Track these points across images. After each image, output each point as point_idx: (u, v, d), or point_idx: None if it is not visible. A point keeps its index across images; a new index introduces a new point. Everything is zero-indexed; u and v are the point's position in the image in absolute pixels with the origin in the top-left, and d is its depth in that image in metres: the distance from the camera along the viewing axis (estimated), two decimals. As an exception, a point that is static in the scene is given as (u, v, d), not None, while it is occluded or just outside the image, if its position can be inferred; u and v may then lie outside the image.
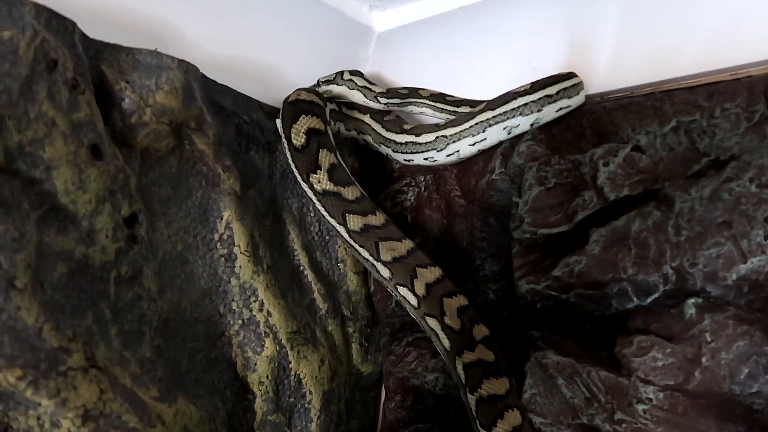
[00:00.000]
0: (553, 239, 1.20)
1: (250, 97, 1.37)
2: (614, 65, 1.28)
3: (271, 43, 1.46)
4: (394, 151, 1.47)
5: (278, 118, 1.37)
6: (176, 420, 1.01)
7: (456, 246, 1.45)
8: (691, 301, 1.03)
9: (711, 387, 1.00)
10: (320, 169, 1.29)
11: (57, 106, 0.92)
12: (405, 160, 1.46)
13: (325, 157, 1.30)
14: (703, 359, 1.00)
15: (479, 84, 1.45)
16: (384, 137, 1.48)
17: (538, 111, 1.25)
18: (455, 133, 1.34)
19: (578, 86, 1.25)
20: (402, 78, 1.62)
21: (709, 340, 1.00)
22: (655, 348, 1.04)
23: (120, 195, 1.03)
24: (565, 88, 1.24)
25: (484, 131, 1.31)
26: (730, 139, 1.07)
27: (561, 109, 1.25)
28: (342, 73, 1.52)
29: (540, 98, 1.24)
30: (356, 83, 1.50)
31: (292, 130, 1.30)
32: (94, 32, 1.05)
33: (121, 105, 1.06)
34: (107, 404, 0.90)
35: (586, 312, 1.16)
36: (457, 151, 1.36)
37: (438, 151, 1.38)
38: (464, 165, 1.43)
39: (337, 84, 1.50)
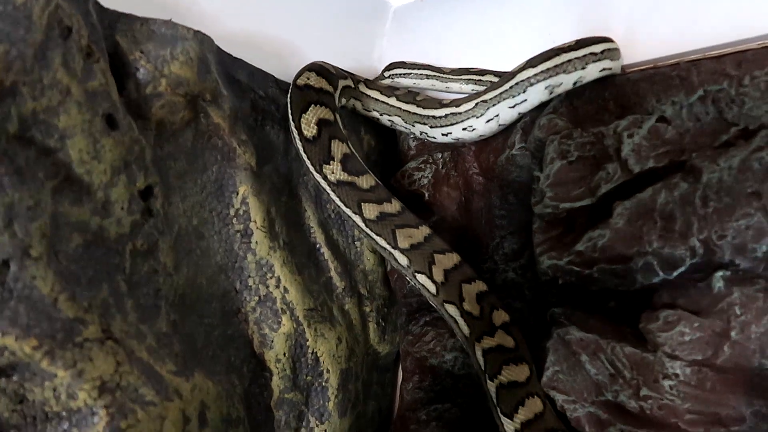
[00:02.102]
0: (575, 214, 1.18)
1: (266, 72, 1.35)
2: (635, 38, 1.25)
3: (287, 17, 1.44)
4: (431, 127, 1.43)
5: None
6: (194, 395, 0.99)
7: (475, 224, 1.43)
8: (720, 274, 1.00)
9: (740, 362, 0.98)
10: (333, 160, 1.27)
11: (72, 73, 0.90)
12: (443, 134, 1.42)
13: (338, 148, 1.28)
14: (732, 333, 0.98)
15: (497, 57, 1.43)
16: (421, 115, 1.45)
17: (582, 69, 1.20)
18: (494, 96, 1.30)
19: (617, 51, 1.22)
20: (419, 53, 1.60)
21: (738, 313, 0.97)
22: (682, 322, 1.01)
23: (135, 167, 1.01)
24: (609, 49, 1.21)
25: (524, 91, 1.26)
26: (760, 107, 1.04)
27: (604, 69, 1.21)
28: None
29: (585, 55, 1.20)
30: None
31: (302, 120, 1.28)
32: (108, 1, 1.03)
33: (135, 75, 1.04)
34: (124, 376, 0.89)
35: (609, 287, 1.13)
36: (497, 115, 1.31)
37: (477, 118, 1.34)
38: (483, 141, 1.40)
39: None
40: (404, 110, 1.48)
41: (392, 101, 1.50)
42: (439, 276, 1.24)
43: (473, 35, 1.53)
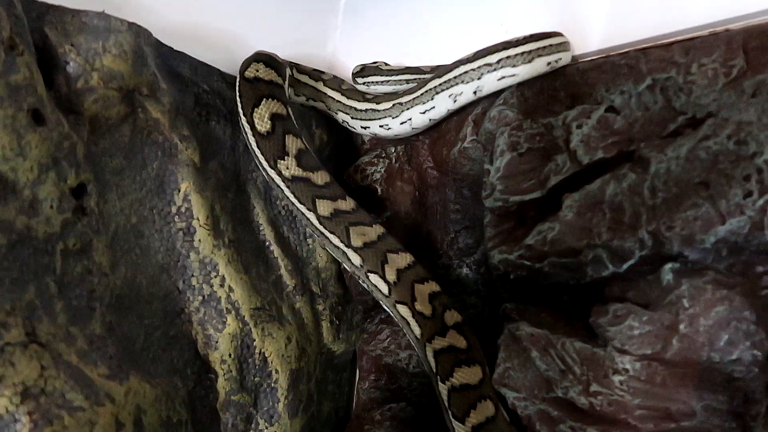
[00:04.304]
0: (526, 207, 1.16)
1: (210, 66, 1.31)
2: (588, 26, 1.23)
3: (234, 10, 1.40)
4: (352, 117, 1.45)
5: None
6: (128, 399, 0.96)
7: (429, 219, 1.40)
8: (668, 266, 0.98)
9: (689, 355, 0.96)
10: (288, 155, 1.24)
11: (-9, 67, 0.87)
12: (362, 127, 1.44)
13: (293, 143, 1.25)
14: (681, 326, 0.95)
15: (450, 50, 1.40)
16: (344, 104, 1.46)
17: (479, 79, 1.23)
18: (408, 101, 1.33)
19: (520, 57, 1.20)
20: (372, 46, 1.57)
21: (686, 306, 0.95)
22: (631, 316, 0.99)
23: (65, 163, 0.97)
24: (508, 57, 1.19)
25: (432, 99, 1.30)
26: (707, 95, 1.02)
27: (503, 78, 1.21)
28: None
29: (480, 66, 1.21)
30: None
31: (255, 114, 1.25)
32: (37, -7, 0.99)
33: (65, 69, 1.01)
34: (49, 381, 0.85)
35: (561, 281, 1.11)
36: (410, 119, 1.35)
37: (393, 118, 1.37)
38: (436, 134, 1.38)
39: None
40: (329, 96, 1.48)
41: (319, 86, 1.49)
42: (391, 276, 1.21)
43: (426, 27, 1.51)
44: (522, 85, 1.21)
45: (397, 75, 1.46)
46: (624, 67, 1.11)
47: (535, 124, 1.15)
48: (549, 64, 1.18)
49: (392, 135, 1.43)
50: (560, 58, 1.18)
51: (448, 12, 1.47)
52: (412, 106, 1.33)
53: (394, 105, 1.36)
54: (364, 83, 1.50)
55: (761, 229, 0.93)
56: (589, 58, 1.21)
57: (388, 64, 1.50)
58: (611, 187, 1.04)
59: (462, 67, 1.24)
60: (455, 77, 1.25)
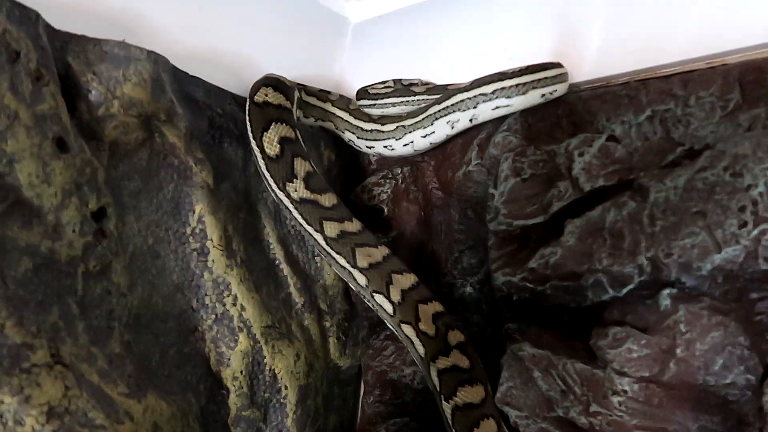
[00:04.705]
0: (529, 231, 1.19)
1: (224, 89, 1.35)
2: (589, 55, 1.27)
3: (246, 33, 1.44)
4: (358, 137, 1.51)
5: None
6: (145, 416, 0.99)
7: (434, 239, 1.44)
8: (666, 291, 1.02)
9: (686, 378, 1.00)
10: (296, 178, 1.27)
11: (20, 98, 0.90)
12: (367, 147, 1.50)
13: (301, 166, 1.29)
14: (678, 350, 0.99)
15: (456, 73, 1.44)
16: (351, 124, 1.51)
17: (474, 108, 1.28)
18: (411, 124, 1.39)
19: (513, 88, 1.24)
20: (379, 69, 1.60)
21: (683, 330, 0.99)
22: (630, 339, 1.02)
23: (87, 188, 1.01)
24: (503, 88, 1.24)
25: (432, 124, 1.35)
26: (705, 127, 1.06)
27: (498, 108, 1.27)
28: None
29: (475, 95, 1.27)
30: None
31: (264, 138, 1.28)
32: (60, 23, 1.03)
33: (87, 97, 1.04)
34: (73, 401, 0.89)
35: (562, 304, 1.15)
36: (412, 141, 1.41)
37: (396, 140, 1.43)
38: (442, 156, 1.42)
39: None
40: (337, 116, 1.53)
41: (327, 106, 1.54)
42: (396, 296, 1.25)
43: (432, 51, 1.55)
44: (525, 112, 1.25)
45: (383, 99, 1.50)
46: (625, 98, 1.15)
47: (538, 151, 1.19)
48: (543, 95, 1.23)
49: (396, 155, 1.48)
50: (555, 90, 1.23)
51: (455, 35, 1.50)
52: (413, 130, 1.39)
53: (397, 127, 1.41)
54: (360, 106, 1.55)
55: (755, 258, 0.96)
56: (591, 86, 1.25)
57: (400, 80, 1.54)
58: (612, 214, 1.08)
59: (459, 95, 1.29)
60: (453, 105, 1.30)
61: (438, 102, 1.33)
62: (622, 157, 1.12)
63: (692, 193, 1.01)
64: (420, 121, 1.37)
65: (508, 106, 1.25)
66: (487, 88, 1.25)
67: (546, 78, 1.22)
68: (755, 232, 0.96)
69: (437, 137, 1.37)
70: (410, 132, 1.39)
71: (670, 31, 1.17)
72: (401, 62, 1.59)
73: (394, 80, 1.52)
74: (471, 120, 1.30)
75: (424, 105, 1.40)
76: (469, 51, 1.47)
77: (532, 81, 1.22)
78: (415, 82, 1.50)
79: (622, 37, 1.23)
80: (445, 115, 1.32)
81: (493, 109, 1.26)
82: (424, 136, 1.38)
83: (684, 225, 1.01)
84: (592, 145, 1.13)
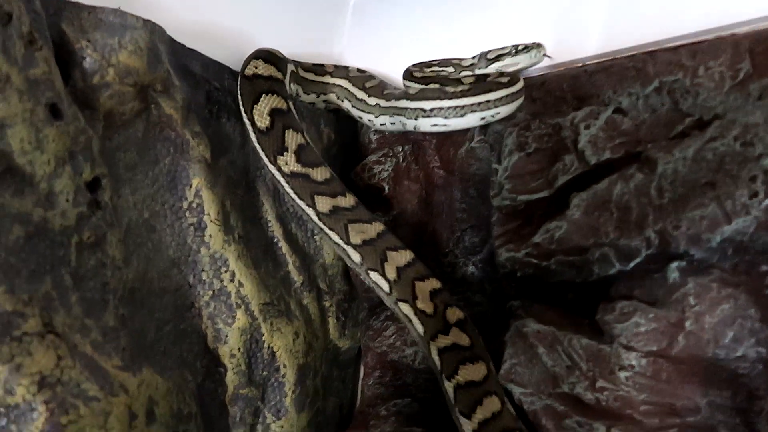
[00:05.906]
0: (533, 206, 1.17)
1: (222, 64, 1.33)
2: (594, 31, 1.25)
3: (245, 9, 1.42)
4: (352, 106, 1.51)
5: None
6: (140, 390, 0.97)
7: (435, 218, 1.42)
8: (675, 264, 1.00)
9: (695, 352, 0.98)
10: (287, 151, 1.24)
11: (12, 61, 0.87)
12: (358, 116, 1.50)
13: (292, 138, 1.25)
14: (687, 323, 0.97)
15: (456, 52, 1.41)
16: (349, 92, 1.50)
17: (415, 119, 1.33)
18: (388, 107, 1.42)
19: (458, 110, 1.26)
20: (379, 47, 1.58)
21: (692, 303, 0.97)
22: (637, 313, 1.00)
23: (81, 158, 0.98)
24: (441, 108, 1.28)
25: (391, 117, 1.41)
26: (714, 98, 1.04)
27: (435, 126, 1.31)
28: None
29: (415, 108, 1.32)
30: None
31: (255, 111, 1.25)
32: (54, -11, 1.00)
33: (82, 64, 1.01)
34: (65, 371, 0.86)
35: (567, 279, 1.13)
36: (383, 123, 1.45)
37: (375, 117, 1.46)
38: (443, 134, 1.39)
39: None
40: (338, 86, 1.52)
41: (326, 79, 1.52)
42: (391, 274, 1.22)
43: (434, 28, 1.52)
44: (529, 87, 1.23)
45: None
46: (631, 70, 1.13)
47: (543, 125, 1.17)
48: (483, 119, 1.25)
49: (374, 128, 1.51)
50: (498, 113, 1.24)
51: (455, 14, 1.49)
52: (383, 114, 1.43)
53: (376, 104, 1.43)
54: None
55: (766, 229, 0.94)
56: (596, 61, 1.23)
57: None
58: (619, 186, 1.06)
59: (404, 101, 1.34)
60: (402, 108, 1.35)
61: (396, 98, 1.38)
62: (629, 129, 1.09)
63: (701, 164, 1.00)
64: (387, 108, 1.41)
65: (445, 125, 1.30)
66: (427, 104, 1.29)
67: (488, 102, 1.23)
68: (766, 202, 0.94)
69: (396, 129, 1.44)
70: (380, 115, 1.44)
71: (679, 4, 1.15)
72: (401, 41, 1.57)
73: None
74: (415, 128, 1.35)
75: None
76: (472, 27, 1.44)
77: (472, 105, 1.24)
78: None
79: (628, 13, 1.22)
80: (398, 114, 1.37)
81: (431, 126, 1.31)
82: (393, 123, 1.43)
83: (693, 196, 0.99)
84: (599, 118, 1.11)
